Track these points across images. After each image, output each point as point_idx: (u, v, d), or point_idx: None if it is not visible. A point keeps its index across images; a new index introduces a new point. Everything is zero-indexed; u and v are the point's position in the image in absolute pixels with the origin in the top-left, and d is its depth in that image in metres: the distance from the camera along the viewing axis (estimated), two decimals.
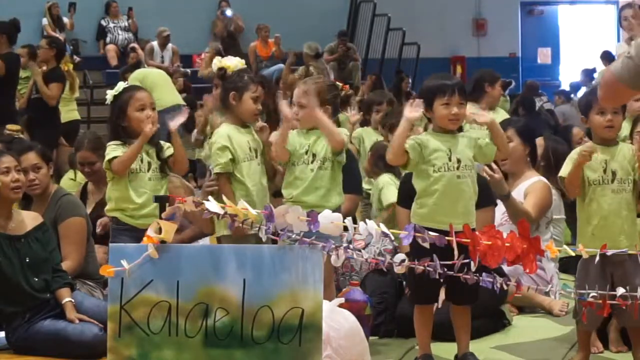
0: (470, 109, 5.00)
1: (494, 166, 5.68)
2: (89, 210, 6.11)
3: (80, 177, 7.18)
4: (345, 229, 3.72)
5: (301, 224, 3.71)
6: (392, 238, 4.52)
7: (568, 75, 19.93)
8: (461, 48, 19.48)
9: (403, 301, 5.43)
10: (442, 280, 3.88)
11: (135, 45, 15.11)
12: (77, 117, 11.51)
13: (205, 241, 6.02)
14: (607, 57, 13.46)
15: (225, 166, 5.20)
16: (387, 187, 6.50)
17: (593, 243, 4.21)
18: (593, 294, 3.84)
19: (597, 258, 3.87)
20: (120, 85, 5.43)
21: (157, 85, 10.41)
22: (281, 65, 14.89)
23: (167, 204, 4.51)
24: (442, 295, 4.06)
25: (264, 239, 3.86)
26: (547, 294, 4.77)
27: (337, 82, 5.73)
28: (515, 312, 5.98)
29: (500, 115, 7.69)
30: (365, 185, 7.01)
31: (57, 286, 5.06)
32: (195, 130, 6.82)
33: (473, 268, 3.75)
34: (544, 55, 21.02)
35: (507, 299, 5.50)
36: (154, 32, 15.47)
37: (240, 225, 3.78)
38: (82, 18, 16.46)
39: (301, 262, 3.76)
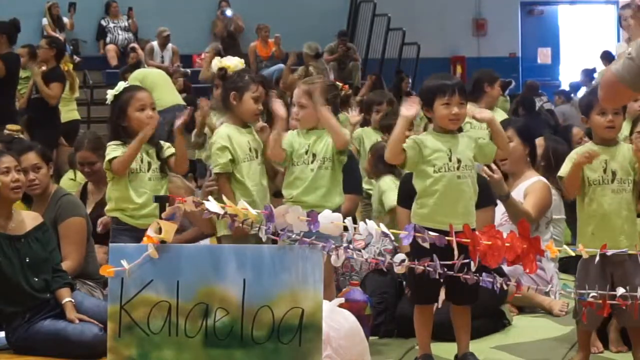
0: (470, 109, 5.00)
1: (494, 166, 5.68)
2: (89, 210, 6.10)
3: (80, 177, 7.18)
4: (345, 229, 3.72)
5: (301, 224, 3.71)
6: (392, 238, 4.52)
7: (568, 75, 19.92)
8: (461, 48, 19.48)
9: (403, 301, 5.43)
10: (442, 280, 3.88)
11: (135, 45, 15.10)
12: (77, 117, 11.51)
13: (206, 242, 6.01)
14: (607, 57, 13.47)
15: (225, 166, 5.20)
16: (389, 191, 6.48)
17: (593, 243, 4.21)
18: (593, 294, 3.84)
19: (597, 258, 3.87)
20: (121, 85, 5.43)
21: (157, 85, 10.43)
22: (281, 65, 14.89)
23: (167, 204, 4.51)
24: (442, 295, 4.06)
25: (264, 239, 3.86)
26: (547, 294, 4.77)
27: (337, 82, 5.73)
28: (515, 312, 5.98)
29: (499, 115, 7.70)
30: (365, 185, 7.01)
31: (57, 286, 5.06)
32: (194, 132, 6.81)
33: (473, 268, 3.75)
34: (544, 55, 21.01)
35: (507, 299, 5.51)
36: (154, 32, 15.47)
37: (240, 225, 3.78)
38: (82, 18, 16.46)
39: (301, 262, 3.76)
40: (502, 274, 4.51)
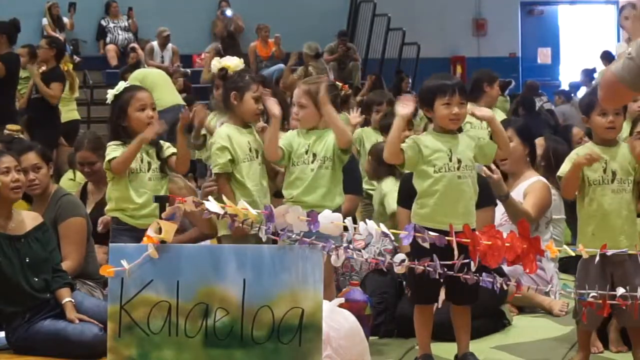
0: (470, 107, 5.00)
1: (493, 166, 5.68)
2: (88, 210, 6.10)
3: (80, 177, 7.17)
4: (345, 229, 3.72)
5: (301, 224, 3.71)
6: (392, 238, 4.52)
7: (568, 75, 19.92)
8: (461, 48, 19.47)
9: (403, 301, 5.43)
10: (442, 280, 3.88)
11: (135, 45, 15.10)
12: (77, 117, 11.51)
13: (207, 244, 6.01)
14: (607, 57, 13.48)
15: (224, 166, 5.20)
16: (391, 194, 6.46)
17: (593, 243, 4.21)
18: (593, 294, 3.84)
19: (597, 258, 3.87)
20: (121, 85, 5.43)
21: (157, 85, 10.42)
22: (281, 65, 14.89)
23: (167, 204, 4.51)
24: (442, 295, 4.06)
25: (264, 239, 3.86)
26: (547, 294, 4.77)
27: (337, 82, 5.73)
28: (515, 312, 5.98)
29: (498, 115, 7.66)
30: (365, 185, 7.01)
31: (57, 286, 5.06)
32: (192, 135, 6.80)
33: (473, 268, 3.75)
34: (544, 55, 21.01)
35: (507, 299, 5.50)
36: (154, 32, 15.46)
37: (240, 225, 3.78)
38: (82, 18, 16.46)
39: (301, 262, 3.76)
40: (502, 274, 4.51)
